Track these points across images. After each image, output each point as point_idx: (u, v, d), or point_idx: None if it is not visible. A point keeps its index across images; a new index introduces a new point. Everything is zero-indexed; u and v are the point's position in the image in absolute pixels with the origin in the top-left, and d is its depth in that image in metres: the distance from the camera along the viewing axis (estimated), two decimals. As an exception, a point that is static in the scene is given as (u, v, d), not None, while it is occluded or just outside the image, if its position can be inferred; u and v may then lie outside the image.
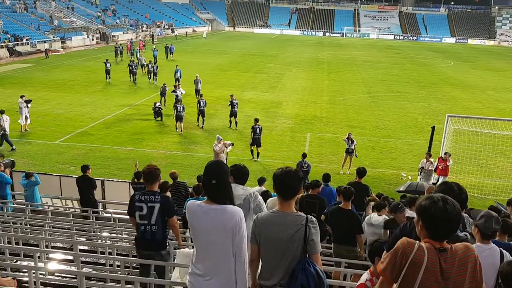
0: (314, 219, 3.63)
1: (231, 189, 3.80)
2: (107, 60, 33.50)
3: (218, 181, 3.68)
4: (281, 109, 26.80)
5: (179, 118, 21.01)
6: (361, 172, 11.13)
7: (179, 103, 21.33)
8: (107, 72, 32.68)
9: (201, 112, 22.04)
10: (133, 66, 32.82)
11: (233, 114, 21.80)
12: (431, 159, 15.51)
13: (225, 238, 3.60)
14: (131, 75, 32.76)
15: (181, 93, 23.60)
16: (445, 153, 15.84)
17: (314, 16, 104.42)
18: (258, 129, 17.95)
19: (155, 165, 6.08)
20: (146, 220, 5.88)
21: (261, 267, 3.77)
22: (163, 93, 26.05)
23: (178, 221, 10.32)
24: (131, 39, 56.29)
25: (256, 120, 18.38)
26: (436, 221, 2.69)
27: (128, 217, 11.36)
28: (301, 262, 3.52)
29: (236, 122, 22.05)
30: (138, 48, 47.26)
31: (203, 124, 22.29)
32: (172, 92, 23.95)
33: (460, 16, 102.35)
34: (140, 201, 5.87)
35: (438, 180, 15.04)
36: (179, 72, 30.81)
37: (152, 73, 33.19)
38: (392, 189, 15.26)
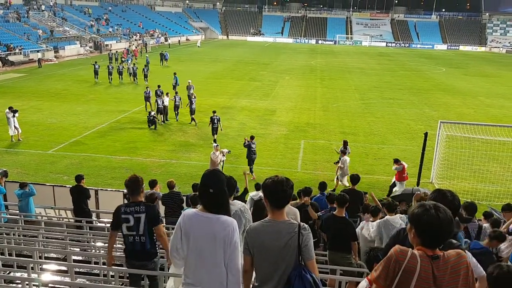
0: (306, 225, 3.64)
1: (227, 199, 3.80)
2: (95, 62, 37.61)
3: (215, 190, 3.68)
4: (275, 117, 26.86)
5: (159, 110, 24.45)
6: (355, 178, 11.17)
7: (159, 97, 24.77)
8: (96, 72, 36.64)
9: (176, 107, 24.72)
10: (110, 68, 36.61)
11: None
12: (346, 156, 16.23)
13: (216, 248, 3.60)
14: (109, 75, 36.40)
15: (163, 102, 24.63)
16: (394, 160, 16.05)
17: (307, 24, 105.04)
18: (216, 119, 20.77)
19: (137, 175, 6.05)
20: (134, 231, 5.85)
21: (255, 276, 3.76)
22: (147, 98, 26.86)
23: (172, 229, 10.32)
24: (127, 47, 57.16)
25: (214, 112, 21.19)
26: (428, 229, 2.72)
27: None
28: (297, 269, 3.52)
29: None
30: (133, 55, 49.41)
31: (177, 117, 24.85)
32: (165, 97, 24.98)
33: (451, 23, 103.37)
34: (126, 213, 5.84)
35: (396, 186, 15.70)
36: (176, 80, 31.48)
37: (143, 75, 36.78)
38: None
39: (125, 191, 12.23)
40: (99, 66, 36.81)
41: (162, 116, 24.55)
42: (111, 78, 36.43)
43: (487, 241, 6.56)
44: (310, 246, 3.58)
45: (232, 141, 21.07)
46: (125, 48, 54.33)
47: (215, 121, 20.79)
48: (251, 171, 17.16)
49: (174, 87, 30.57)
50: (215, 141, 19.61)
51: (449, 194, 3.81)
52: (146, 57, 44.06)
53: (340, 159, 16.41)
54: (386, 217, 7.88)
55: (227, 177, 4.60)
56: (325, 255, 8.20)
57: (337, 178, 16.67)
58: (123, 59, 44.90)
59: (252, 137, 17.57)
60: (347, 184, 16.16)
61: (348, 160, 16.32)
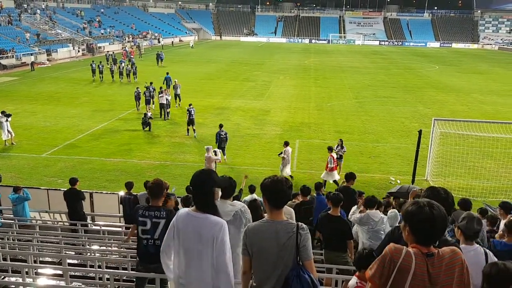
0: (304, 225, 3.63)
1: (212, 199, 3.79)
2: (93, 61, 40.17)
3: (200, 189, 3.70)
4: (269, 117, 26.85)
5: (147, 102, 26.74)
6: (350, 177, 11.18)
7: (147, 90, 26.93)
8: (93, 71, 39.20)
9: (163, 106, 25.76)
10: (101, 67, 38.89)
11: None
12: (289, 148, 16.69)
13: (202, 248, 3.61)
14: (100, 74, 38.98)
15: (167, 98, 25.83)
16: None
17: (300, 24, 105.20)
18: (192, 110, 21.73)
19: (162, 180, 5.99)
20: (149, 235, 5.77)
21: (254, 277, 3.76)
22: (137, 98, 27.48)
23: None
24: (125, 47, 57.58)
25: (190, 104, 22.13)
26: (422, 226, 2.71)
27: (117, 229, 11.31)
28: (295, 269, 3.52)
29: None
30: (131, 56, 50.07)
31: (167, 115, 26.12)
32: (159, 95, 25.86)
33: (443, 20, 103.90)
34: (144, 216, 5.73)
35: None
36: (166, 79, 31.91)
37: (132, 73, 38.97)
38: (382, 194, 15.30)
39: (120, 193, 12.26)
40: (96, 65, 39.27)
41: (147, 106, 26.38)
42: (102, 77, 38.91)
43: (506, 237, 5.69)
44: (308, 246, 3.57)
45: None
46: (123, 49, 55.38)
47: (192, 113, 21.64)
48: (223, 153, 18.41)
49: (168, 86, 30.91)
50: (188, 131, 22.11)
51: (443, 192, 3.81)
52: (131, 58, 46.30)
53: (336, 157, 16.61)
54: (367, 211, 8.05)
55: (227, 177, 4.59)
56: (321, 254, 8.21)
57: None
58: (129, 58, 45.92)
59: (220, 126, 18.86)
60: (290, 174, 16.63)
61: (290, 151, 16.75)
